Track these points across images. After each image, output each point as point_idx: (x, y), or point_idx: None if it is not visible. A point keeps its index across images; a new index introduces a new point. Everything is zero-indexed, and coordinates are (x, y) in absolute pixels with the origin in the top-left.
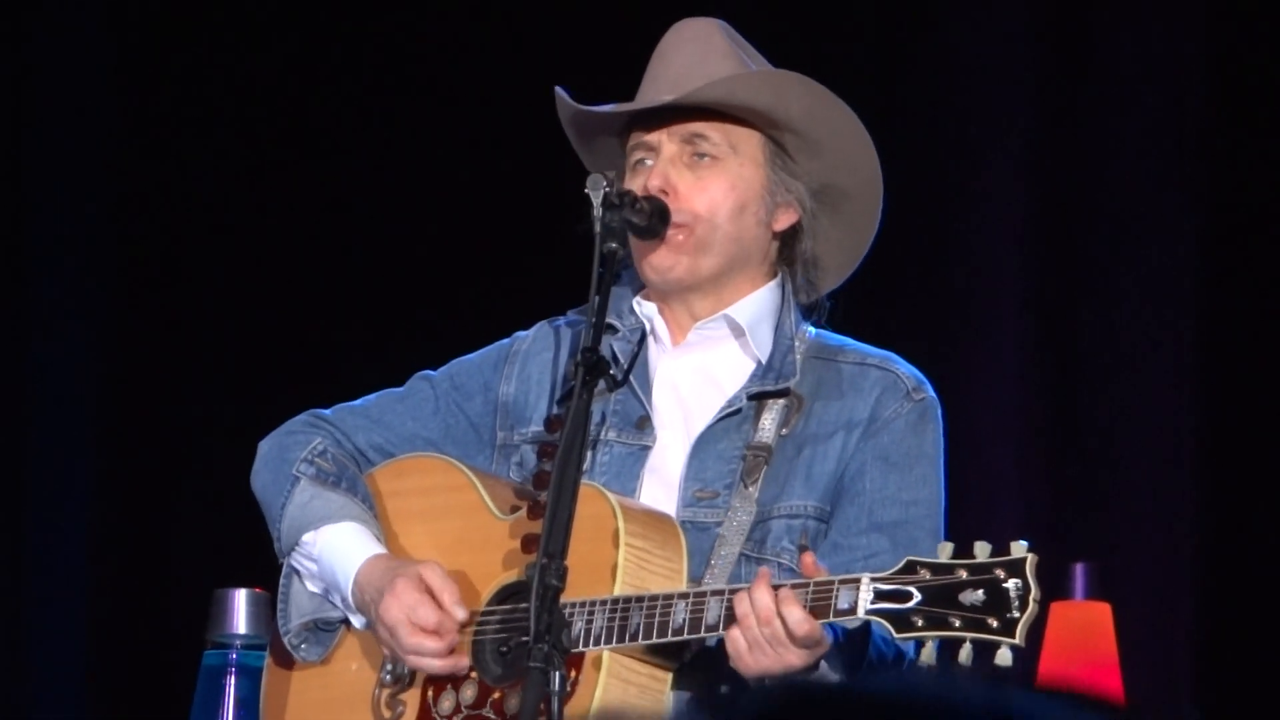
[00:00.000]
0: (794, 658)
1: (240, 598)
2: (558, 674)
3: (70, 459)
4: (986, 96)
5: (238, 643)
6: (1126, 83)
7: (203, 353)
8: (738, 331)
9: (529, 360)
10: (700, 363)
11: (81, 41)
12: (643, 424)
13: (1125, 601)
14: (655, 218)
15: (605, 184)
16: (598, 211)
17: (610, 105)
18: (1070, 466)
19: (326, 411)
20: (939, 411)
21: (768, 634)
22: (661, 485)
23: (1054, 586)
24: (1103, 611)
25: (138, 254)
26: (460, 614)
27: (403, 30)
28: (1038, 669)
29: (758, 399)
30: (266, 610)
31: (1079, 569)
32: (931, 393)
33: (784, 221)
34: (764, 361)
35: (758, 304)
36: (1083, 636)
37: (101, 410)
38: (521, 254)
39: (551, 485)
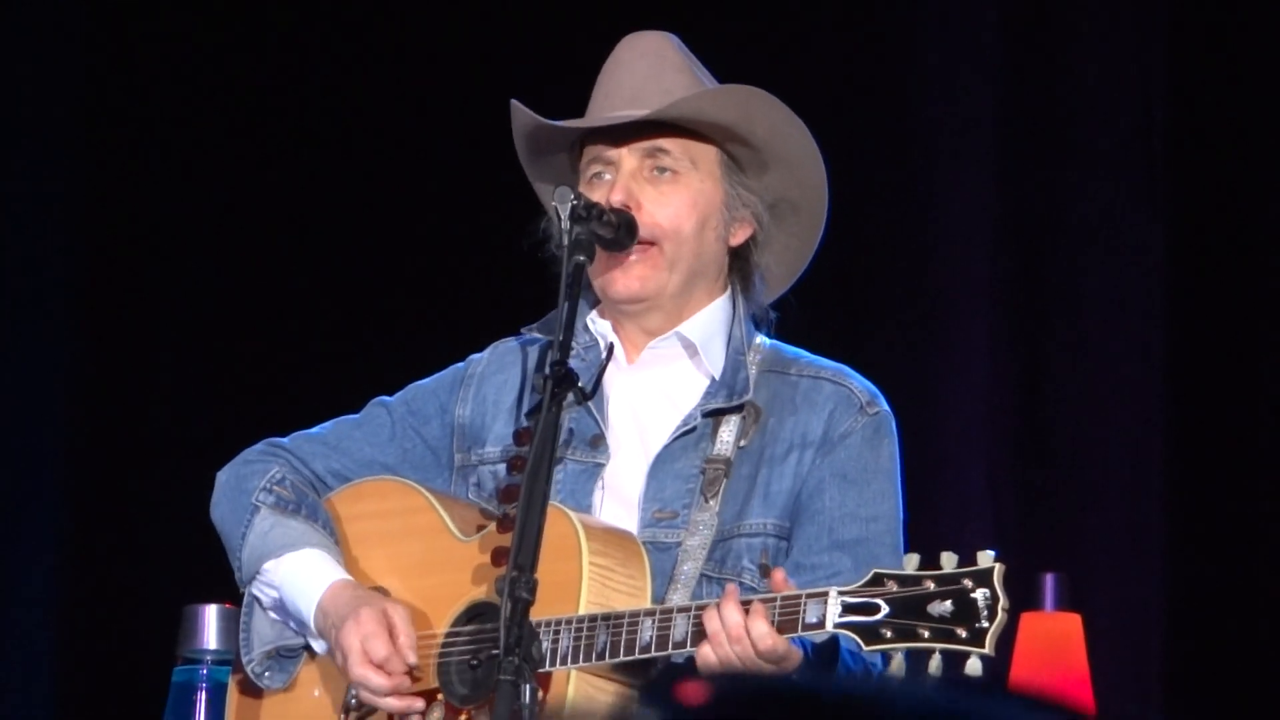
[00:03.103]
0: (763, 672)
1: (210, 613)
2: (528, 687)
3: (38, 474)
4: (954, 108)
5: (208, 658)
6: (1094, 94)
7: (171, 367)
8: (690, 349)
9: (484, 382)
10: (654, 380)
11: (46, 56)
12: (597, 442)
13: (1095, 612)
14: (622, 230)
15: (573, 197)
16: (565, 224)
17: (571, 120)
18: (1040, 477)
19: (283, 440)
20: (893, 425)
21: (739, 651)
22: (621, 505)
23: (1024, 597)
24: (1073, 622)
25: (106, 269)
26: (410, 658)
27: (347, 64)
28: (1008, 680)
29: (713, 415)
30: (236, 625)
31: (1049, 580)
32: (885, 406)
33: (740, 236)
34: (716, 378)
35: (709, 319)
36: (1053, 647)
37: (69, 425)
38: (474, 276)
39: (521, 499)
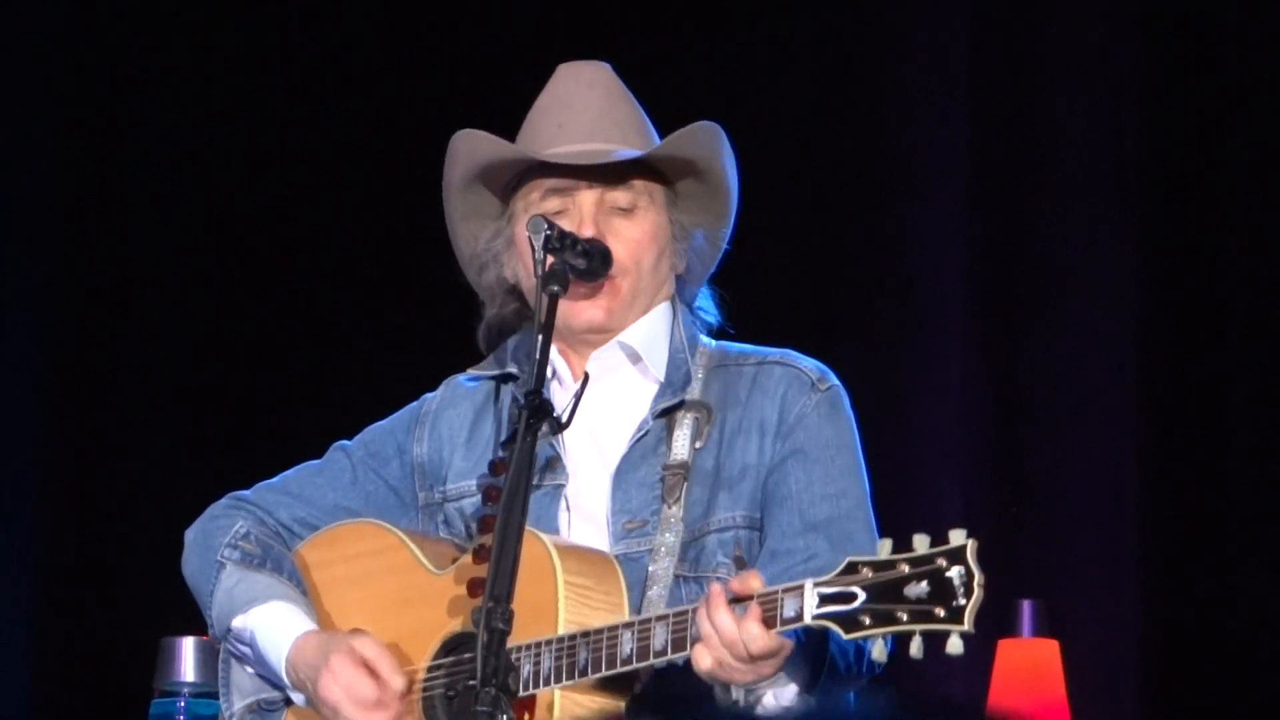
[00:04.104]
0: (762, 669)
1: (188, 646)
2: (505, 717)
3: (15, 506)
4: (928, 135)
5: (185, 690)
6: (1067, 121)
7: (150, 400)
8: (634, 357)
9: (438, 419)
10: (603, 394)
11: (16, 82)
12: (553, 464)
13: (1073, 638)
14: (596, 260)
15: (547, 227)
16: (539, 254)
17: (554, 151)
18: (1016, 504)
19: (246, 492)
20: (846, 399)
21: (735, 652)
22: (589, 523)
23: (1001, 624)
24: (1051, 648)
25: (80, 300)
26: (399, 683)
27: (300, 104)
28: (986, 705)
29: (665, 415)
30: (214, 657)
31: (1026, 606)
32: (835, 380)
33: (683, 265)
34: (662, 380)
35: (650, 325)
36: (1031, 674)
37: (47, 457)
38: (429, 314)
39: (496, 529)
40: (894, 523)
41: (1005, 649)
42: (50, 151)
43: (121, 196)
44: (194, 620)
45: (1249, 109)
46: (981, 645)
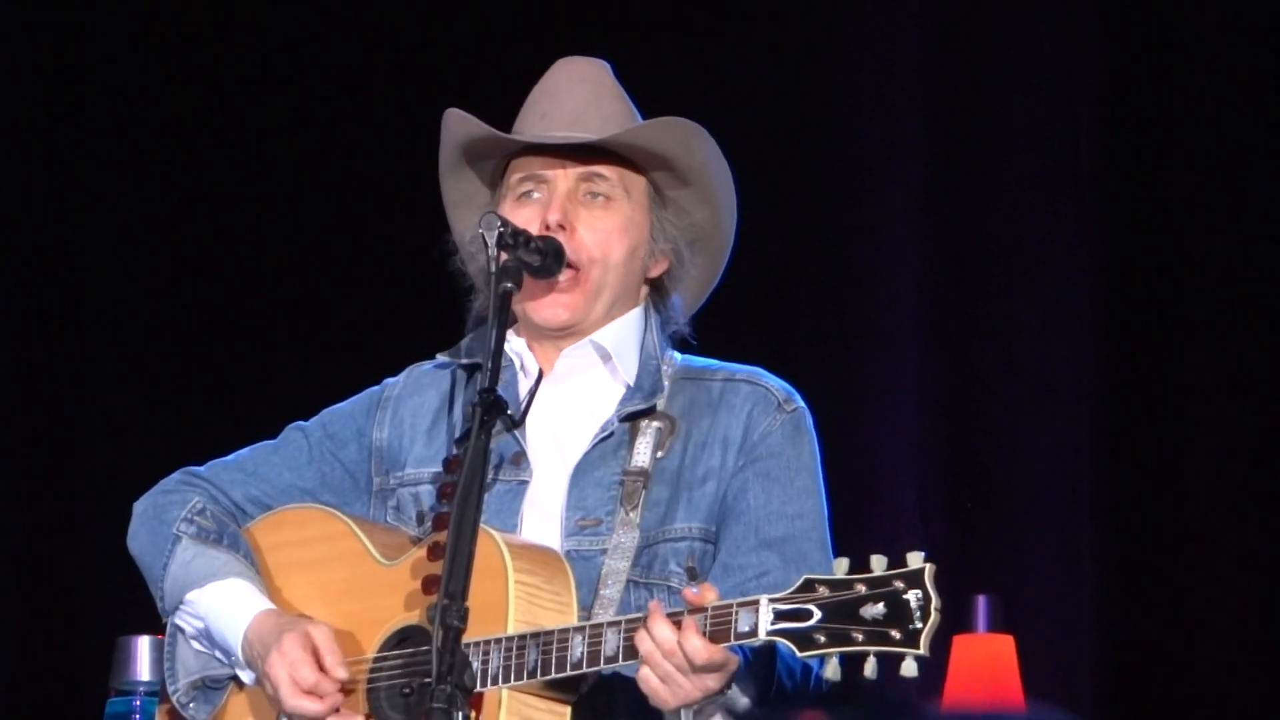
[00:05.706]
0: (708, 682)
1: (144, 645)
2: (461, 714)
3: None
4: (883, 130)
5: (141, 689)
6: (1021, 117)
7: (105, 399)
8: (605, 356)
9: (400, 405)
10: (570, 391)
11: None
12: (518, 460)
13: (1028, 634)
14: (550, 257)
15: (500, 224)
16: (492, 251)
17: (522, 133)
18: (971, 500)
19: (200, 469)
20: (811, 421)
21: (676, 664)
22: (543, 518)
23: (957, 619)
24: (1006, 644)
25: (36, 304)
26: (341, 674)
27: (261, 94)
28: (941, 701)
29: (630, 420)
30: None
31: (981, 601)
32: (801, 403)
33: (658, 269)
34: (631, 384)
35: (622, 327)
36: (986, 669)
37: (2, 456)
38: (389, 301)
39: (451, 526)
40: (850, 518)
41: (960, 644)
42: (6, 112)
43: (80, 177)
44: (151, 620)
45: (1204, 103)
46: (937, 641)
